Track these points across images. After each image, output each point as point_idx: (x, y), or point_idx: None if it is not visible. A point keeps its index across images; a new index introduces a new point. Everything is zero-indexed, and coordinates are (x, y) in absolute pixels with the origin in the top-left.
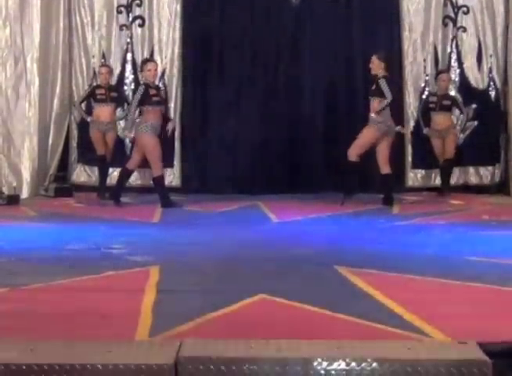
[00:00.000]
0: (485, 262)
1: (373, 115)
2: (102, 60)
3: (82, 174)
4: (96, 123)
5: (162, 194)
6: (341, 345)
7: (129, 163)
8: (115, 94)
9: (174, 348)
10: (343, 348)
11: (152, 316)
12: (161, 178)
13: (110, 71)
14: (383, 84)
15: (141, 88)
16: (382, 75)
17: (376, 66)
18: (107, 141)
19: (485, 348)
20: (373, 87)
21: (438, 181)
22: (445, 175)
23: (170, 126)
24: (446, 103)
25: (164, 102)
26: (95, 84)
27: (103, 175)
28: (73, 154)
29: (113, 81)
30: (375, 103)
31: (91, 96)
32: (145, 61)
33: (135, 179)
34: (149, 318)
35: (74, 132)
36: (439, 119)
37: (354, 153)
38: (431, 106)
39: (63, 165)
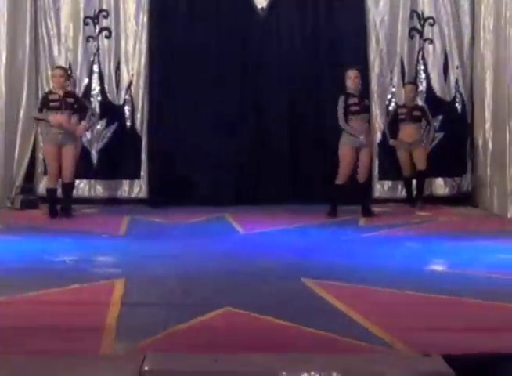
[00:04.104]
0: (452, 273)
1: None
2: (69, 72)
3: None
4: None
5: (331, 204)
6: (307, 359)
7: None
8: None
9: (138, 361)
10: (308, 361)
11: (116, 329)
12: (338, 187)
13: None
14: None
15: (342, 97)
16: None
17: None
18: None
19: (450, 361)
20: None
21: (404, 192)
22: (419, 187)
23: None
24: (417, 113)
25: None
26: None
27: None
28: (40, 166)
29: (80, 92)
30: None
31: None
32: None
33: (102, 191)
34: (114, 332)
35: (40, 144)
36: (409, 130)
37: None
38: (401, 117)
39: (30, 177)
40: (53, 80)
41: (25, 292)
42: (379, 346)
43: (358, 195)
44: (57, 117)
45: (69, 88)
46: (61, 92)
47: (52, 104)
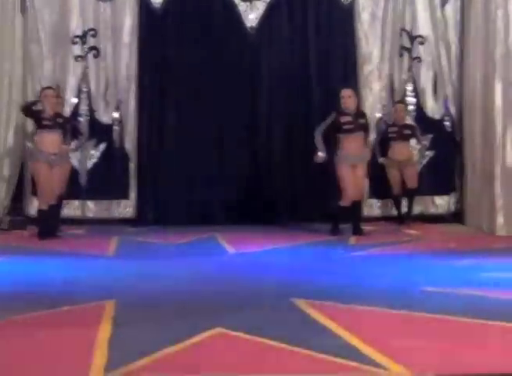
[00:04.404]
0: (442, 292)
1: None
2: (58, 91)
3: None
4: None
5: (333, 223)
6: None
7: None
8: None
9: None
10: None
11: (107, 352)
12: (342, 208)
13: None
14: None
15: (332, 115)
16: None
17: None
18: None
19: None
20: None
21: (393, 211)
22: (409, 205)
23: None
24: (407, 132)
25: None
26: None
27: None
28: (28, 186)
29: (68, 111)
30: None
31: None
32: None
33: (91, 211)
34: (105, 354)
35: (29, 164)
36: (400, 149)
37: None
38: (392, 136)
39: (18, 197)
40: (44, 100)
41: (14, 315)
42: (372, 367)
43: (350, 213)
44: (41, 140)
45: (57, 109)
46: (51, 113)
47: (44, 123)
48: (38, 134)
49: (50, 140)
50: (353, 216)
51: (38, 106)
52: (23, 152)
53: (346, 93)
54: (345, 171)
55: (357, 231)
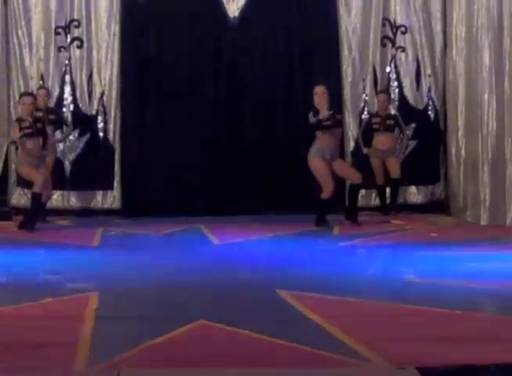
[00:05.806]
0: (426, 283)
1: None
2: (41, 82)
3: (22, 197)
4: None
5: (318, 215)
6: (281, 374)
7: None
8: (53, 116)
9: None
10: None
11: (90, 344)
12: (325, 201)
13: (34, 102)
14: None
15: (310, 114)
16: None
17: None
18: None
19: (425, 373)
20: None
21: (377, 201)
22: (393, 195)
23: None
24: (390, 122)
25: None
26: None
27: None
28: (13, 177)
29: (52, 102)
30: None
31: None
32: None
33: (75, 202)
34: (88, 347)
35: (13, 155)
36: (383, 139)
37: None
38: (375, 126)
39: (3, 189)
40: (22, 107)
41: None
42: (354, 359)
43: (349, 196)
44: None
45: (42, 102)
46: (30, 119)
47: (24, 132)
48: (19, 142)
49: (30, 147)
50: (349, 201)
51: (18, 113)
52: (6, 144)
53: (320, 90)
54: (318, 164)
55: (353, 219)
